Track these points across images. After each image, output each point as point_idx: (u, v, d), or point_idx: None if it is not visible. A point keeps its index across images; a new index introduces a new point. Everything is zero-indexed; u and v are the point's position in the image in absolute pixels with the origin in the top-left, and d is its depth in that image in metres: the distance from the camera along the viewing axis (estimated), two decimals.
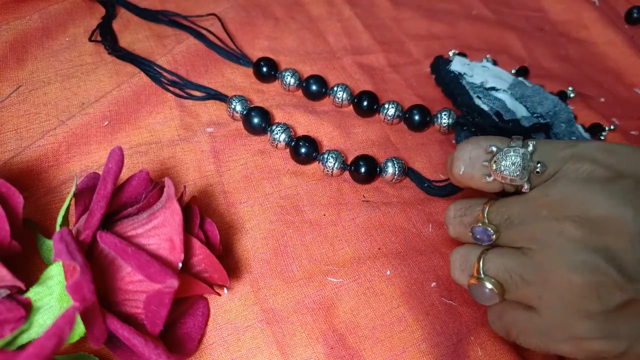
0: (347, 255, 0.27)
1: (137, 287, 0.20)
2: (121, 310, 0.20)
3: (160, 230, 0.20)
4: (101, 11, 0.38)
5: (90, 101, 0.32)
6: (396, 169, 0.30)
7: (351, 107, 0.35)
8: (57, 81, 0.33)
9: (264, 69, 0.35)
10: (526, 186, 0.22)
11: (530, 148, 0.22)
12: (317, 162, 0.31)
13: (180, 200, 0.22)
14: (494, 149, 0.22)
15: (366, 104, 0.34)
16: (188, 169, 0.30)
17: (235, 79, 0.36)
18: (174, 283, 0.18)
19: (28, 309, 0.19)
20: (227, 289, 0.25)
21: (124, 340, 0.19)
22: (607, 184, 0.19)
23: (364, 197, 0.30)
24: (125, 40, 0.36)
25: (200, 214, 0.23)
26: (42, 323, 0.19)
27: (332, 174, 0.30)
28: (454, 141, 0.34)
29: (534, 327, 0.21)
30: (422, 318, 0.25)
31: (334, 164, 0.30)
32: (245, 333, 0.24)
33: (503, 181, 0.22)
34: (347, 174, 0.31)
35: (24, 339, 0.19)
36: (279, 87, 0.36)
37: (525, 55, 0.44)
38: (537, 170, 0.21)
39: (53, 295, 0.20)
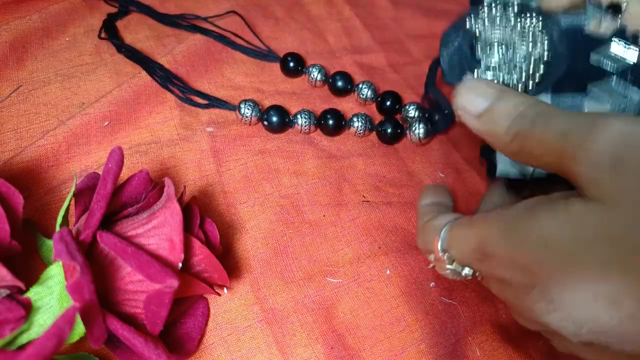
0: (347, 255, 0.27)
1: (137, 287, 0.20)
2: (121, 310, 0.20)
3: (160, 230, 0.20)
4: (102, 11, 0.38)
5: (90, 101, 0.32)
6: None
7: (374, 104, 0.36)
8: (57, 81, 0.33)
9: (291, 64, 0.36)
10: (469, 273, 0.21)
11: (447, 260, 0.21)
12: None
13: (180, 200, 0.22)
14: (429, 258, 0.23)
15: (389, 104, 0.34)
16: (188, 168, 0.30)
17: (235, 79, 0.36)
18: (174, 283, 0.18)
19: (28, 308, 0.19)
20: (227, 288, 0.25)
21: (124, 340, 0.19)
22: (522, 290, 0.17)
23: (364, 197, 0.30)
24: (126, 40, 0.36)
25: (200, 214, 0.23)
26: (42, 323, 0.19)
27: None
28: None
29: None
30: (422, 318, 0.25)
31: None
32: (245, 333, 0.24)
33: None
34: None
35: (24, 339, 0.19)
36: (278, 87, 0.36)
37: None
38: (466, 277, 0.21)
39: (53, 295, 0.20)
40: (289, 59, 0.36)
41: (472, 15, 0.26)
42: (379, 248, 0.28)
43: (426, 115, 0.34)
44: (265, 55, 0.37)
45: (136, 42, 0.37)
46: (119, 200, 0.22)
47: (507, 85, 0.24)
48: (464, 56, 0.26)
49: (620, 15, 0.20)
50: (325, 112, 0.32)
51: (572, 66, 0.25)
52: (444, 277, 0.27)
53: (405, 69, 0.40)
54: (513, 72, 0.25)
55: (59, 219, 0.22)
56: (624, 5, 0.19)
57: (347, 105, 0.36)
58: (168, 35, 0.38)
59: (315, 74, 0.36)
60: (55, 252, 0.18)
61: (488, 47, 0.26)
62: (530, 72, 0.25)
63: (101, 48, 0.35)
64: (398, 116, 0.35)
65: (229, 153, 0.31)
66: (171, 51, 0.35)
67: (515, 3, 0.26)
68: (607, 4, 0.26)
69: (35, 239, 0.23)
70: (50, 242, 0.23)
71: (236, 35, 0.38)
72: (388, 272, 0.27)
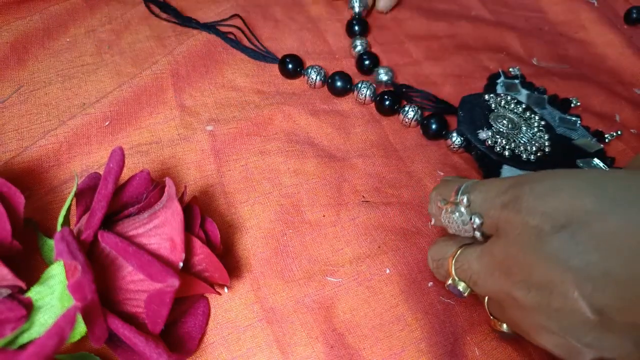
0: (347, 255, 0.27)
1: (138, 286, 0.20)
2: (122, 309, 0.21)
3: (161, 229, 0.21)
4: (103, 12, 0.38)
5: (91, 101, 0.32)
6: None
7: (373, 105, 0.36)
8: (58, 81, 0.33)
9: (289, 66, 0.36)
10: (479, 236, 0.21)
11: (465, 201, 0.21)
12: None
13: (181, 200, 0.22)
14: (441, 204, 0.22)
15: (388, 104, 0.34)
16: (189, 168, 0.30)
17: (236, 80, 0.36)
18: (174, 282, 0.18)
19: (29, 308, 0.19)
20: (228, 288, 0.25)
21: (125, 340, 0.19)
22: (546, 238, 0.17)
23: (364, 197, 0.30)
24: (126, 40, 0.37)
25: (201, 214, 0.24)
26: (43, 322, 0.19)
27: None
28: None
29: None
30: (421, 317, 0.26)
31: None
32: (245, 332, 0.24)
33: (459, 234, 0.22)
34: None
35: (25, 338, 0.19)
36: (279, 88, 0.36)
37: (524, 56, 0.44)
38: (474, 225, 0.20)
39: (54, 295, 0.20)
40: (287, 60, 0.36)
41: (492, 95, 0.35)
42: (379, 247, 0.28)
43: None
44: (264, 56, 0.37)
45: (137, 42, 0.37)
46: (120, 200, 0.23)
47: (510, 148, 0.32)
48: (479, 117, 0.33)
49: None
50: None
51: (561, 159, 0.32)
52: None
53: (405, 69, 0.40)
54: (513, 143, 0.32)
55: (60, 219, 0.22)
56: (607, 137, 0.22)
57: (346, 105, 0.36)
58: (169, 36, 0.38)
59: (314, 76, 0.35)
60: (56, 251, 0.18)
61: (499, 119, 0.33)
62: (529, 147, 0.32)
63: (102, 48, 0.36)
64: (399, 117, 0.35)
65: (229, 153, 0.31)
66: (171, 51, 0.35)
67: (524, 104, 0.35)
68: (593, 131, 0.36)
69: (36, 239, 0.23)
70: (51, 242, 0.23)
71: (236, 36, 0.38)
72: (388, 271, 0.27)
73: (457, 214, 0.21)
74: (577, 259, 0.16)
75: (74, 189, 0.22)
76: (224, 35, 0.38)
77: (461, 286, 0.22)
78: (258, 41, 0.39)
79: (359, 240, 0.28)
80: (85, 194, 0.23)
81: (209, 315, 0.24)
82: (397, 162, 0.33)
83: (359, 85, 0.35)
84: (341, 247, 0.28)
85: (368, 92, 0.35)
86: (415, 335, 0.25)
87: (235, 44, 0.38)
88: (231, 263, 0.26)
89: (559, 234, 0.17)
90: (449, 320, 0.26)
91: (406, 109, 0.34)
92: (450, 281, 0.22)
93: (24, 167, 0.28)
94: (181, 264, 0.20)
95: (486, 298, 0.22)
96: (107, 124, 0.31)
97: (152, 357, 0.19)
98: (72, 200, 0.22)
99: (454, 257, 0.22)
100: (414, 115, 0.34)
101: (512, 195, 0.19)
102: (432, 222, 0.24)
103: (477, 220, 0.20)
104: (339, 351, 0.24)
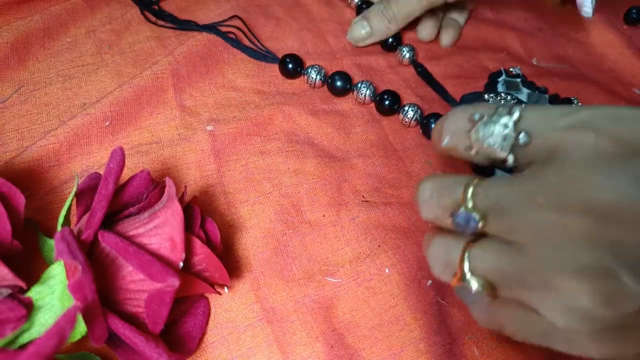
0: (347, 255, 0.27)
1: (138, 286, 0.20)
2: (122, 309, 0.21)
3: (161, 229, 0.21)
4: (103, 12, 0.38)
5: (92, 101, 0.32)
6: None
7: (373, 105, 0.36)
8: (58, 82, 0.33)
9: (289, 66, 0.36)
10: (510, 160, 0.18)
11: (516, 115, 0.18)
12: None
13: (181, 200, 0.22)
14: (477, 116, 0.19)
15: (388, 104, 0.35)
16: (189, 168, 0.30)
17: (236, 80, 0.36)
18: (175, 282, 0.18)
19: (29, 308, 0.19)
20: (228, 288, 0.25)
21: (125, 339, 0.19)
22: (617, 163, 0.16)
23: (364, 197, 0.30)
24: (127, 40, 0.37)
25: (201, 214, 0.24)
26: (43, 322, 0.20)
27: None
28: None
29: (534, 327, 0.18)
30: (420, 317, 0.26)
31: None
32: (245, 332, 0.24)
33: (485, 154, 0.19)
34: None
35: (25, 338, 0.19)
36: (279, 88, 0.36)
37: (524, 56, 0.44)
38: (520, 140, 0.18)
39: (54, 295, 0.20)
40: (288, 60, 0.36)
41: (492, 94, 0.34)
42: (379, 247, 0.28)
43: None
44: (264, 56, 0.37)
45: (137, 42, 0.37)
46: (120, 200, 0.23)
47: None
48: None
49: None
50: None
51: None
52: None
53: (405, 69, 0.40)
54: None
55: (61, 219, 0.22)
56: None
57: (346, 105, 0.36)
58: (169, 36, 0.38)
59: (314, 76, 0.35)
60: (56, 251, 0.18)
61: None
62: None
63: (102, 49, 0.36)
64: (398, 116, 0.35)
65: (229, 153, 0.31)
66: (172, 52, 0.35)
67: (524, 103, 0.34)
68: None
69: (36, 239, 0.23)
70: (51, 242, 0.23)
71: (237, 36, 0.38)
72: (387, 271, 0.27)
73: (499, 127, 0.18)
74: None
75: (74, 189, 0.22)
76: (224, 36, 0.38)
77: (476, 215, 0.18)
78: (258, 41, 0.39)
79: (359, 240, 0.28)
80: (86, 194, 0.23)
81: (209, 315, 0.24)
82: (397, 162, 0.33)
83: (359, 85, 0.35)
84: (341, 246, 0.28)
85: (368, 92, 0.35)
86: (415, 335, 0.25)
87: (236, 44, 0.38)
88: (231, 263, 0.26)
89: (636, 160, 0.15)
90: (449, 319, 0.26)
91: (406, 108, 0.34)
92: (462, 208, 0.18)
93: (24, 167, 0.28)
94: (181, 264, 0.20)
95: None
96: (107, 124, 0.31)
97: (152, 357, 0.19)
98: (72, 200, 0.22)
99: (465, 252, 0.19)
100: (413, 115, 0.34)
101: (583, 117, 0.17)
102: (446, 141, 0.20)
103: (525, 138, 0.18)
104: (339, 351, 0.24)
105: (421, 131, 0.35)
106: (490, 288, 0.18)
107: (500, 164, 0.19)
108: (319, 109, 0.35)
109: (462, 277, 0.18)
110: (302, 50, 0.39)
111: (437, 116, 0.34)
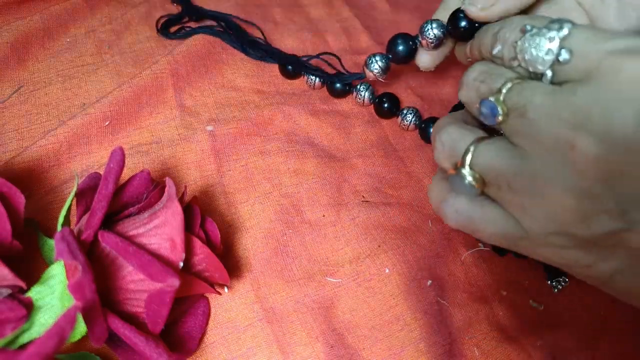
0: (347, 255, 0.27)
1: (139, 286, 0.20)
2: (122, 309, 0.21)
3: (161, 229, 0.21)
4: (102, 12, 0.38)
5: (91, 101, 0.32)
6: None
7: (372, 107, 0.36)
8: (58, 82, 0.33)
9: (290, 66, 0.36)
10: (548, 75, 0.18)
11: (564, 31, 0.18)
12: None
13: (181, 200, 0.22)
14: (528, 27, 0.19)
15: (387, 107, 0.34)
16: (189, 168, 0.30)
17: (236, 80, 0.36)
18: (175, 282, 0.18)
19: (29, 308, 0.19)
20: (228, 288, 0.25)
21: (125, 339, 0.19)
22: None
23: (364, 197, 0.30)
24: (127, 40, 0.37)
25: (201, 214, 0.24)
26: (43, 322, 0.20)
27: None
28: None
29: (506, 230, 0.19)
30: (420, 317, 0.26)
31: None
32: (245, 332, 0.24)
33: (526, 66, 0.19)
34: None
35: (25, 338, 0.19)
36: (279, 88, 0.36)
37: None
38: (561, 57, 0.18)
39: (54, 295, 0.20)
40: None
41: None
42: (379, 247, 0.28)
43: None
44: (264, 57, 0.37)
45: (137, 42, 0.37)
46: (120, 200, 0.23)
47: None
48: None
49: None
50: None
51: None
52: (441, 277, 0.28)
53: (404, 70, 0.40)
54: None
55: (61, 219, 0.22)
56: None
57: (346, 106, 0.36)
58: None
59: (314, 76, 0.35)
60: (56, 251, 0.18)
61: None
62: None
63: (102, 49, 0.36)
64: (397, 119, 0.35)
65: (229, 153, 0.31)
66: (171, 51, 0.35)
67: None
68: None
69: (37, 239, 0.23)
70: (51, 242, 0.23)
71: (237, 36, 0.38)
72: (387, 271, 0.27)
73: (545, 40, 0.18)
74: None
75: (74, 189, 0.22)
76: (224, 35, 0.38)
77: (501, 108, 0.19)
78: (258, 42, 0.39)
79: (359, 240, 0.28)
80: (86, 194, 0.23)
81: (209, 315, 0.24)
82: (397, 163, 0.33)
83: (358, 87, 0.35)
84: (341, 246, 0.28)
85: (367, 94, 0.35)
86: (415, 335, 0.25)
87: (235, 44, 0.38)
88: (231, 263, 0.26)
89: None
90: (449, 320, 0.26)
91: (404, 112, 0.34)
92: (493, 97, 0.19)
93: (24, 167, 0.28)
94: (181, 264, 0.20)
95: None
96: (107, 124, 0.31)
97: (152, 357, 0.19)
98: (72, 200, 0.22)
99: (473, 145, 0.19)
100: (411, 119, 0.34)
101: (630, 44, 0.16)
102: (497, 49, 0.20)
103: (566, 55, 0.18)
104: (339, 351, 0.24)
105: (419, 135, 0.35)
106: (482, 184, 0.19)
107: (538, 77, 0.19)
108: (319, 109, 0.35)
109: (462, 166, 0.19)
110: (302, 50, 0.39)
111: (435, 120, 0.34)
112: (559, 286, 0.28)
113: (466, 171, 0.19)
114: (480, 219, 0.20)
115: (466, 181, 0.19)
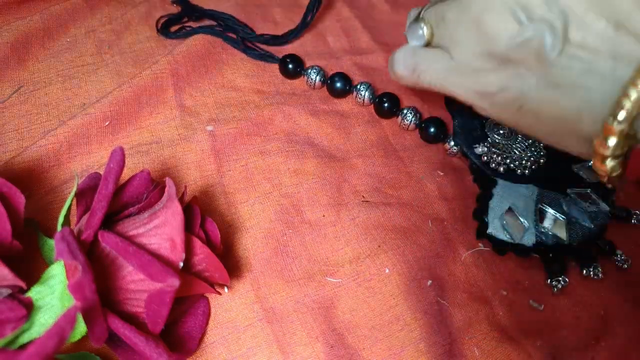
0: (347, 255, 0.27)
1: (139, 286, 0.20)
2: (122, 309, 0.21)
3: (161, 229, 0.21)
4: (103, 12, 0.38)
5: (91, 101, 0.32)
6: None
7: (372, 106, 0.36)
8: (58, 82, 0.33)
9: (290, 66, 0.36)
10: None
11: None
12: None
13: (181, 200, 0.22)
14: None
15: (387, 107, 0.34)
16: (189, 168, 0.30)
17: (236, 80, 0.36)
18: (175, 282, 0.18)
19: (29, 308, 0.19)
20: (228, 288, 0.25)
21: (125, 339, 0.19)
22: None
23: (364, 197, 0.30)
24: (127, 40, 0.37)
25: (201, 214, 0.24)
26: (43, 322, 0.20)
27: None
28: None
29: (443, 65, 0.24)
30: (421, 317, 0.26)
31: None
32: (245, 332, 0.24)
33: None
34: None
35: (25, 338, 0.19)
36: (279, 88, 0.36)
37: None
38: None
39: (54, 295, 0.20)
40: (288, 60, 0.36)
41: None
42: (379, 247, 0.28)
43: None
44: (264, 56, 0.37)
45: (137, 42, 0.37)
46: (120, 200, 0.23)
47: (505, 163, 0.31)
48: (475, 128, 0.33)
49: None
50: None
51: (557, 170, 0.31)
52: (441, 277, 0.28)
53: None
54: (511, 153, 0.32)
55: (61, 219, 0.22)
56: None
57: (346, 106, 0.36)
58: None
59: (314, 76, 0.35)
60: (56, 251, 0.18)
61: (495, 128, 0.33)
62: (524, 162, 0.31)
63: (102, 49, 0.36)
64: (397, 118, 0.35)
65: (229, 153, 0.31)
66: (171, 51, 0.35)
67: None
68: None
69: (37, 239, 0.23)
70: (51, 242, 0.23)
71: (236, 36, 0.38)
72: (387, 271, 0.27)
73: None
74: None
75: (74, 189, 0.22)
76: (224, 35, 0.38)
77: (424, 27, 0.25)
78: (258, 42, 0.39)
79: (359, 240, 0.28)
80: (86, 194, 0.23)
81: (209, 315, 0.24)
82: (397, 162, 0.33)
83: (358, 86, 0.35)
84: (341, 246, 0.28)
85: (367, 94, 0.35)
86: (415, 335, 0.25)
87: (235, 44, 0.38)
88: (231, 263, 0.26)
89: None
90: (449, 320, 0.26)
91: (404, 112, 0.34)
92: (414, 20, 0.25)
93: (24, 167, 0.28)
94: (181, 264, 0.20)
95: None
96: (107, 124, 0.31)
97: (152, 357, 0.19)
98: (72, 200, 0.22)
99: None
100: (411, 119, 0.34)
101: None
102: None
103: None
104: (339, 351, 0.24)
105: (420, 135, 0.35)
106: (430, 34, 0.25)
107: None
108: (319, 109, 0.35)
109: (420, 17, 0.25)
110: (302, 49, 0.39)
111: (435, 120, 0.34)
112: (558, 285, 0.28)
113: (421, 21, 0.25)
114: (424, 57, 0.25)
115: (419, 31, 0.25)
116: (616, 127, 0.18)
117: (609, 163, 0.19)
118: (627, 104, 0.18)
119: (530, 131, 0.23)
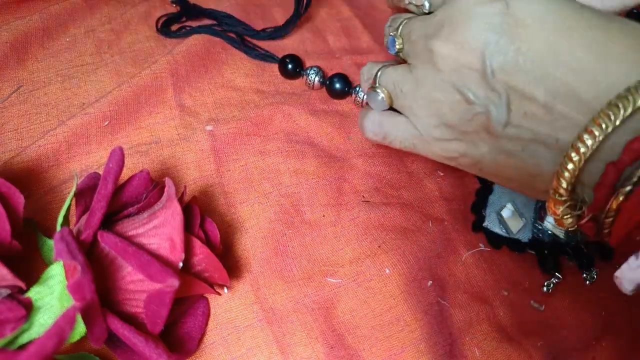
0: (347, 255, 0.27)
1: (138, 286, 0.20)
2: (122, 309, 0.21)
3: (160, 230, 0.21)
4: (102, 12, 0.38)
5: (91, 101, 0.32)
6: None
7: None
8: (57, 81, 0.33)
9: (289, 66, 0.36)
10: (426, 5, 0.24)
11: None
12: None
13: (180, 200, 0.22)
14: None
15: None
16: (188, 168, 0.30)
17: (235, 80, 0.36)
18: (174, 282, 0.18)
19: (29, 308, 0.19)
20: (227, 288, 0.25)
21: (125, 340, 0.19)
22: (477, 6, 0.21)
23: (364, 197, 0.30)
24: (126, 40, 0.37)
25: (201, 214, 0.24)
26: (42, 322, 0.19)
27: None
28: None
29: (408, 133, 0.25)
30: (421, 317, 0.26)
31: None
32: (245, 332, 0.24)
33: (415, 3, 0.25)
34: None
35: (24, 338, 0.19)
36: (278, 88, 0.36)
37: None
38: None
39: (54, 295, 0.20)
40: (287, 60, 0.36)
41: None
42: (379, 247, 0.28)
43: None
44: (264, 56, 0.37)
45: (136, 42, 0.37)
46: (119, 200, 0.23)
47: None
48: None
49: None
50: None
51: None
52: (441, 277, 0.27)
53: None
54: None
55: (60, 219, 0.22)
56: None
57: (346, 106, 0.36)
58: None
59: (313, 77, 0.35)
60: (56, 251, 0.18)
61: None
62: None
63: (101, 48, 0.35)
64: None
65: (229, 153, 0.31)
66: (171, 51, 0.35)
67: None
68: None
69: (36, 239, 0.23)
70: (51, 242, 0.23)
71: (237, 35, 0.38)
72: (387, 271, 0.27)
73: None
74: (497, 28, 0.20)
75: (74, 189, 0.22)
76: (223, 35, 0.38)
77: (397, 41, 0.25)
78: (258, 42, 0.39)
79: (359, 240, 0.28)
80: (85, 193, 0.23)
81: (208, 315, 0.24)
82: (397, 162, 0.33)
83: (357, 88, 0.35)
84: (341, 247, 0.28)
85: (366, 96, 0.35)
86: (415, 336, 0.25)
87: (235, 43, 0.38)
88: (231, 263, 0.26)
89: (492, 4, 0.21)
90: (449, 320, 0.26)
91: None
92: (392, 34, 0.25)
93: (23, 167, 0.28)
94: (181, 264, 0.20)
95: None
96: (106, 123, 0.31)
97: (152, 357, 0.19)
98: (71, 200, 0.22)
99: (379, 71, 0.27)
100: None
101: None
102: None
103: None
104: (339, 351, 0.24)
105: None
106: (389, 99, 0.26)
107: (420, 10, 0.25)
108: (319, 109, 0.35)
109: (374, 86, 0.26)
110: (301, 49, 0.39)
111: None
112: (551, 284, 0.28)
113: (378, 88, 0.26)
114: (389, 124, 0.26)
115: (379, 97, 0.26)
116: (559, 198, 0.19)
117: (566, 220, 0.20)
118: (566, 174, 0.18)
119: (497, 183, 0.24)
